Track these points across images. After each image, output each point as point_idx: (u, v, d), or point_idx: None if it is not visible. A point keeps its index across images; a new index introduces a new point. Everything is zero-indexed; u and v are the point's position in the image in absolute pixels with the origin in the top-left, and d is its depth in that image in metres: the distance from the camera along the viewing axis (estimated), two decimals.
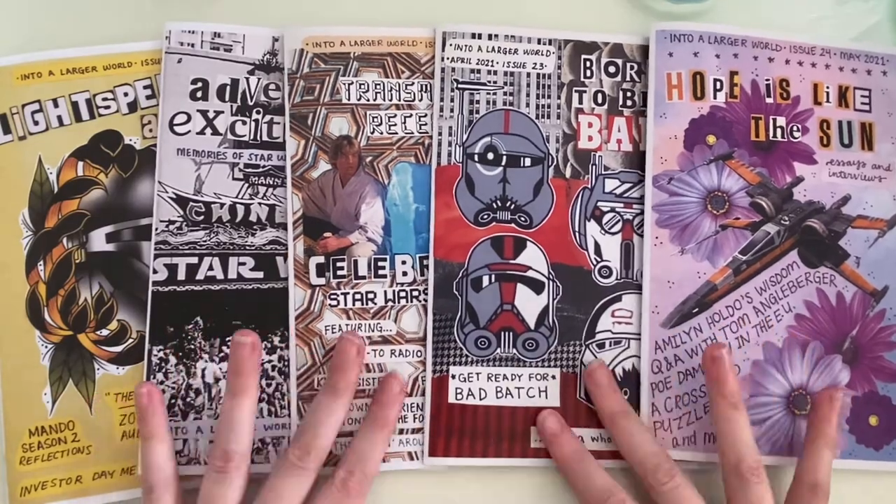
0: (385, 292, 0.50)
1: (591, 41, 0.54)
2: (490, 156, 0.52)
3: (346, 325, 0.50)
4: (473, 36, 0.53)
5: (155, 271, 0.49)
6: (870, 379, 0.50)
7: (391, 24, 0.53)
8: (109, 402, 0.49)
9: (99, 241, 0.50)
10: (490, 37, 0.53)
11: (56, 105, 0.51)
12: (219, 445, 0.44)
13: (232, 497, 0.44)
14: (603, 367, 0.50)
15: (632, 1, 0.55)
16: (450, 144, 0.52)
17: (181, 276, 0.49)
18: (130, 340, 0.49)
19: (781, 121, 0.53)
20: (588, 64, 0.54)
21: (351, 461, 0.46)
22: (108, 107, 0.51)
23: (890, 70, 0.54)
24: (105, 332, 0.49)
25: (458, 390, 0.50)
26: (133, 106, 0.51)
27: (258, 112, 0.51)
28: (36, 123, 0.51)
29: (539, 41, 0.53)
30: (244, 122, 0.51)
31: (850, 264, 0.51)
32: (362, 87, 0.52)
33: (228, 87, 0.51)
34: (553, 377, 0.50)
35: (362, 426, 0.48)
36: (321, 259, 0.50)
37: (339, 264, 0.50)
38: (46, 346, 0.49)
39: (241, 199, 0.50)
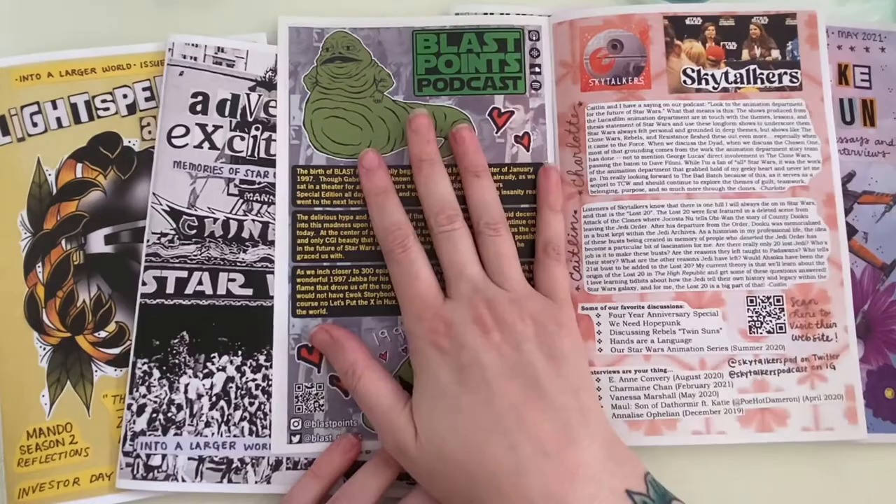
0: None
1: None
2: None
3: None
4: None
5: (144, 283, 0.49)
6: (883, 352, 0.49)
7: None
8: (107, 404, 0.48)
9: (97, 242, 0.50)
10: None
11: (55, 107, 0.51)
12: None
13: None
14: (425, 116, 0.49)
15: (632, 3, 0.55)
16: None
17: (170, 289, 0.49)
18: (128, 342, 0.49)
19: None
20: None
21: (339, 501, 0.44)
22: (106, 108, 0.51)
23: (888, 46, 0.53)
24: (103, 334, 0.49)
25: None
26: (132, 108, 0.52)
27: (257, 129, 0.51)
28: (35, 125, 0.51)
29: None
30: (242, 138, 0.51)
31: (857, 240, 0.50)
32: None
33: (229, 103, 0.51)
34: None
35: (365, 464, 0.45)
36: None
37: None
38: (45, 348, 0.49)
39: (235, 214, 0.50)
